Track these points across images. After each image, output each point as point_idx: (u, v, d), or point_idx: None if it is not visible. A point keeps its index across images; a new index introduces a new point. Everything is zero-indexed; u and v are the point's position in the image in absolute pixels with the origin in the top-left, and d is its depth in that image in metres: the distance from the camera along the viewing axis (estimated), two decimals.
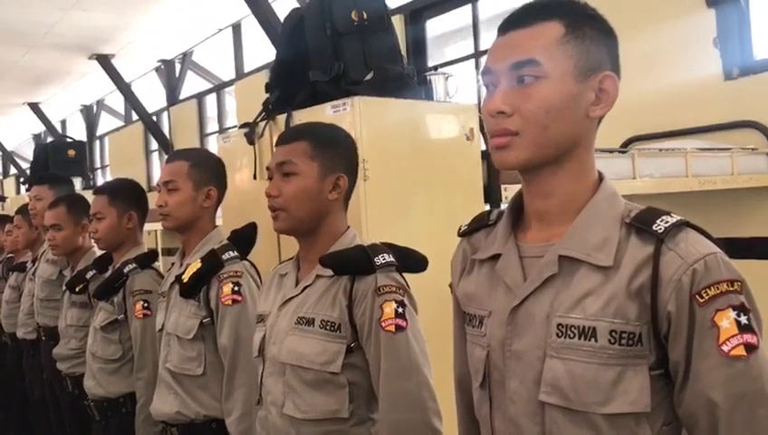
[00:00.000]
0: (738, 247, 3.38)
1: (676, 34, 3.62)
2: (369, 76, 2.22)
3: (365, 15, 2.30)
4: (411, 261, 1.58)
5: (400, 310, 1.45)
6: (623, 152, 2.93)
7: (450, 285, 1.25)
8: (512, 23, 1.03)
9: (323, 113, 2.11)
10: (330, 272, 1.52)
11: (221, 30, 8.00)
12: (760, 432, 0.91)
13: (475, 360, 1.12)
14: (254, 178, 2.37)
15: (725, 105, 3.43)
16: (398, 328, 1.44)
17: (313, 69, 2.23)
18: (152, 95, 9.59)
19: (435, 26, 5.58)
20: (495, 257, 1.10)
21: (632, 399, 0.95)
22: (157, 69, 9.60)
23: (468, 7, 5.21)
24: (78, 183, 5.28)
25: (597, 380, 0.96)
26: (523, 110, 0.99)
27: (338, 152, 1.60)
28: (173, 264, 2.18)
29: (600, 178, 1.07)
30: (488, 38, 5.12)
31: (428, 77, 2.47)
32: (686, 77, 3.58)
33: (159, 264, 2.62)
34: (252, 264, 2.04)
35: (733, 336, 0.91)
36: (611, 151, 2.91)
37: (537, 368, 1.01)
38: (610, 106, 1.03)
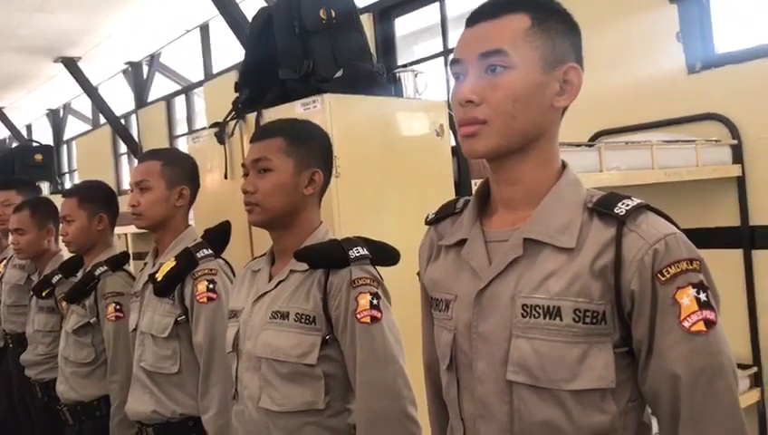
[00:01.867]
0: (704, 237, 3.45)
1: (641, 29, 3.68)
2: (338, 74, 2.23)
3: (333, 14, 2.31)
4: (384, 254, 1.61)
5: (375, 302, 1.48)
6: (590, 146, 2.98)
7: (418, 273, 1.27)
8: (480, 15, 1.07)
9: (293, 111, 2.12)
10: (304, 266, 1.54)
11: (189, 31, 7.93)
12: (719, 403, 0.95)
13: (442, 343, 1.14)
14: (225, 177, 2.37)
15: (689, 98, 3.50)
16: (374, 319, 1.47)
17: (283, 67, 2.24)
18: (120, 98, 9.48)
19: (403, 25, 5.60)
20: (461, 243, 1.13)
21: (597, 375, 0.99)
22: (124, 71, 9.49)
23: (436, 6, 5.24)
24: (46, 188, 5.21)
25: (563, 357, 0.99)
26: (491, 99, 1.02)
27: (313, 148, 1.62)
28: (146, 263, 2.17)
29: (564, 166, 1.10)
30: (456, 36, 5.13)
31: (398, 74, 2.49)
32: (650, 71, 3.64)
33: (131, 266, 2.60)
34: (226, 262, 2.04)
35: (693, 313, 0.95)
36: (579, 145, 2.96)
37: (504, 348, 1.03)
38: (574, 97, 1.06)
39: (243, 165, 1.63)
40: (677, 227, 1.01)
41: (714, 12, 3.53)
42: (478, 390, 1.07)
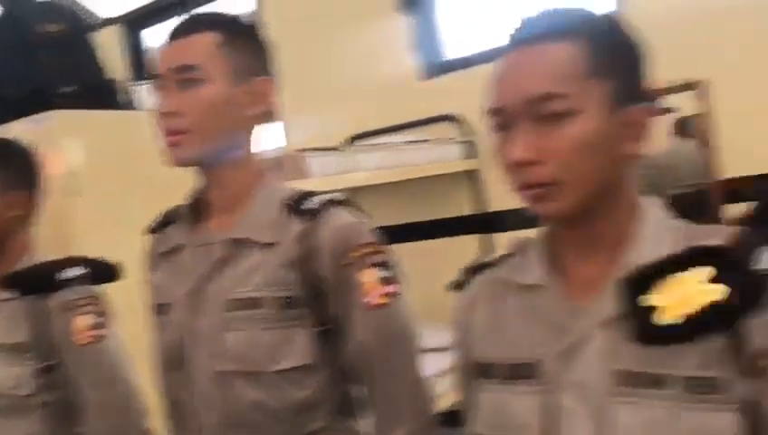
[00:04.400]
0: (443, 227, 3.81)
1: (378, 39, 3.97)
2: (70, 89, 2.17)
3: (60, 28, 2.25)
4: (103, 271, 1.54)
5: (95, 322, 1.43)
6: (338, 150, 3.16)
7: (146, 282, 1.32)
8: (175, 33, 1.17)
9: (21, 129, 2.03)
10: (10, 294, 1.45)
11: None
12: (402, 363, 1.13)
13: (165, 345, 1.22)
14: None
15: (426, 102, 3.84)
16: (97, 338, 1.43)
17: (7, 85, 2.14)
18: None
19: (153, 36, 5.48)
20: (179, 249, 1.21)
21: (299, 354, 1.11)
22: None
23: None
24: None
25: (266, 343, 1.10)
26: (187, 111, 1.12)
27: (18, 169, 1.54)
28: None
29: (261, 170, 1.22)
30: None
31: (134, 87, 2.48)
32: (391, 79, 3.94)
33: None
34: None
35: (375, 289, 1.11)
36: (329, 149, 3.13)
37: (215, 342, 1.13)
38: (267, 105, 1.19)
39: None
40: (363, 218, 1.17)
41: (442, 22, 3.90)
42: (198, 383, 1.15)
